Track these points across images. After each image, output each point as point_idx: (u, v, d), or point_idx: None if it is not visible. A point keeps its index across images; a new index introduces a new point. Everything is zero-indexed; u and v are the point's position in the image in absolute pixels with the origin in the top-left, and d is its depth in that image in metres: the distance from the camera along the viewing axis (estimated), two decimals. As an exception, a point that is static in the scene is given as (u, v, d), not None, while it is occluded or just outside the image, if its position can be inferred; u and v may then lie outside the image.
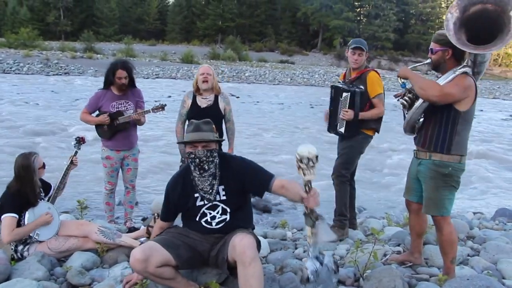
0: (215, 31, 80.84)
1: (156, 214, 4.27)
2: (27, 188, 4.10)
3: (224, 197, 3.48)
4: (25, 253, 4.10)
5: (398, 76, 3.90)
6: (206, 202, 3.48)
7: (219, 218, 3.48)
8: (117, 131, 5.46)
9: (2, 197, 4.15)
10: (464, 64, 3.65)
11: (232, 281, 3.56)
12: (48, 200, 4.38)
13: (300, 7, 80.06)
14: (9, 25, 67.05)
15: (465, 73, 3.59)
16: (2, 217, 4.01)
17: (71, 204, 6.68)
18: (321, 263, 3.11)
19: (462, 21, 3.45)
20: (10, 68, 35.75)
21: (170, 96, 24.34)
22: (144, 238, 4.41)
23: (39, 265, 3.81)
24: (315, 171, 2.98)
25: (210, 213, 3.49)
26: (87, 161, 9.55)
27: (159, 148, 13.06)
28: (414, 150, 3.97)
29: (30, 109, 18.73)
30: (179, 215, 3.75)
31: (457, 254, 3.92)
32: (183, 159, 5.38)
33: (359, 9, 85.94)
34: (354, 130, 4.91)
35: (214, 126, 3.52)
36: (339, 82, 5.14)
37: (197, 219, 3.51)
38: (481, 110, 26.85)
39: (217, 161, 3.47)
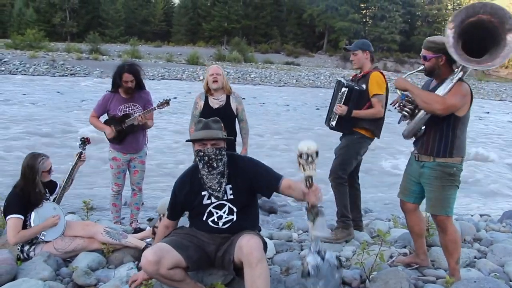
0: (221, 32, 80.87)
1: (162, 215, 4.27)
2: (29, 188, 4.11)
3: (231, 196, 3.48)
4: (31, 253, 4.11)
5: (396, 88, 3.92)
6: (213, 200, 3.48)
7: (225, 218, 3.48)
8: (126, 135, 5.44)
9: (8, 196, 4.15)
10: (456, 69, 3.65)
11: (238, 282, 3.55)
12: (54, 199, 4.38)
13: (306, 8, 79.99)
14: (16, 26, 67.33)
15: (460, 80, 3.62)
16: (8, 218, 4.02)
17: (77, 204, 6.69)
18: (323, 258, 3.10)
19: (459, 34, 3.44)
20: (16, 69, 35.95)
21: (176, 97, 24.43)
22: (150, 239, 4.42)
23: (45, 265, 3.82)
24: (315, 167, 2.98)
25: (217, 213, 3.48)
26: (93, 162, 9.57)
27: (165, 148, 13.08)
28: (414, 153, 3.99)
29: (36, 109, 18.80)
30: (185, 215, 3.75)
31: (463, 256, 3.91)
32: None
33: (365, 10, 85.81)
34: (345, 126, 4.91)
35: (222, 124, 3.52)
36: (346, 78, 5.16)
37: (204, 218, 3.50)
38: (487, 112, 26.80)
39: (226, 159, 3.47)
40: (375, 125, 4.92)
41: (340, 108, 4.79)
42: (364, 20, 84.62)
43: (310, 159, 2.93)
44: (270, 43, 78.35)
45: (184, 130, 16.02)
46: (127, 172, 5.72)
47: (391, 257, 4.46)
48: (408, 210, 4.13)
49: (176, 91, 28.46)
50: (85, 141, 4.94)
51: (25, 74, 34.53)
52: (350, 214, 5.04)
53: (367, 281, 3.72)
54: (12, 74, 34.34)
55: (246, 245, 3.11)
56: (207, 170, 3.40)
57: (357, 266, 3.91)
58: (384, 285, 3.42)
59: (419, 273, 4.12)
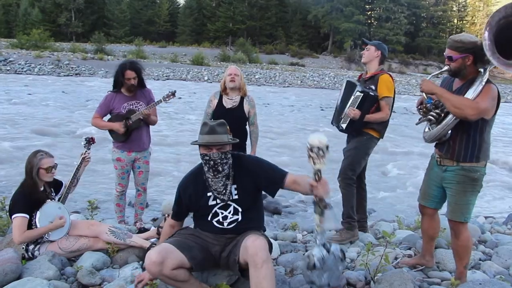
0: (226, 33, 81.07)
1: (167, 215, 4.27)
2: (30, 184, 4.12)
3: (236, 196, 3.48)
4: (36, 253, 4.11)
5: (422, 91, 3.79)
6: (219, 202, 3.48)
7: (231, 218, 3.48)
8: (131, 131, 5.43)
9: (14, 195, 4.16)
10: (482, 70, 3.54)
11: (243, 283, 3.55)
12: (59, 199, 4.39)
13: (311, 9, 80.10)
14: (21, 26, 67.75)
15: (489, 81, 3.51)
16: (13, 217, 4.02)
17: (81, 204, 6.70)
18: (328, 251, 3.11)
19: (494, 34, 3.30)
20: (22, 68, 36.03)
21: (180, 98, 24.48)
22: (155, 239, 4.42)
23: (49, 265, 3.82)
24: (325, 161, 2.99)
25: (222, 213, 3.49)
26: (98, 161, 9.58)
27: (170, 148, 13.09)
28: (436, 157, 3.87)
29: (41, 109, 18.86)
30: (190, 216, 3.75)
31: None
32: None
33: (370, 12, 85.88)
34: (355, 129, 4.89)
35: (228, 127, 3.50)
36: (356, 80, 5.13)
37: (208, 218, 3.50)
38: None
39: (231, 161, 3.47)
40: (383, 126, 4.94)
41: (354, 112, 4.75)
42: (369, 21, 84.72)
43: (321, 152, 2.94)
44: (275, 44, 78.50)
45: (187, 129, 16.18)
46: (131, 173, 5.72)
47: (396, 258, 4.45)
48: (427, 214, 4.06)
49: (180, 91, 28.47)
50: (90, 141, 4.94)
51: (30, 74, 34.59)
52: (356, 215, 5.04)
53: (371, 282, 3.72)
54: (18, 73, 34.43)
55: (252, 246, 3.11)
56: (212, 174, 3.40)
57: (362, 267, 3.91)
58: (389, 287, 3.41)
59: (424, 274, 4.11)
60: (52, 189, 4.36)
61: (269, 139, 15.24)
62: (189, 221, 3.91)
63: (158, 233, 4.40)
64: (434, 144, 3.89)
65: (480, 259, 4.61)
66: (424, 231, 4.18)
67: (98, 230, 4.27)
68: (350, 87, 4.95)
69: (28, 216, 4.04)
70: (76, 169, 4.61)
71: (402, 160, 13.13)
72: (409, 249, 4.83)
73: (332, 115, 5.30)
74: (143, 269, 3.78)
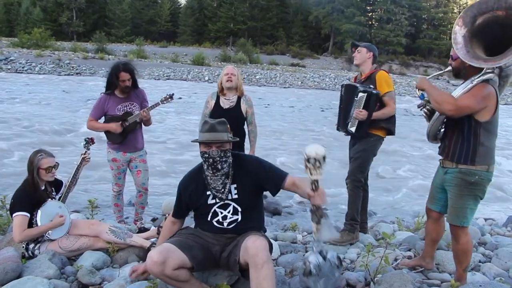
0: (227, 33, 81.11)
1: (167, 215, 4.27)
2: (31, 183, 4.13)
3: (236, 196, 3.49)
4: (36, 251, 4.12)
5: (416, 87, 3.81)
6: (218, 200, 3.49)
7: (230, 218, 3.49)
8: (128, 133, 5.43)
9: (15, 194, 4.16)
10: (487, 70, 3.46)
11: (243, 283, 3.55)
12: (59, 198, 4.39)
13: (312, 10, 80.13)
14: (22, 25, 67.81)
15: (485, 81, 3.45)
16: (14, 215, 4.03)
17: (82, 203, 6.70)
18: (324, 258, 3.13)
19: (472, 32, 3.33)
20: (23, 67, 36.05)
21: (180, 98, 24.48)
22: (155, 239, 4.42)
23: (50, 264, 3.83)
24: (322, 171, 3.00)
25: (222, 213, 3.49)
26: (98, 161, 9.58)
27: (169, 148, 13.09)
28: (440, 159, 3.86)
29: (41, 108, 18.86)
30: (190, 216, 3.75)
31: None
32: None
33: (371, 13, 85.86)
34: (364, 130, 4.87)
35: (228, 125, 3.50)
36: (350, 81, 5.13)
37: (208, 218, 3.51)
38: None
39: (231, 160, 3.47)
40: (391, 123, 4.93)
41: (361, 113, 4.72)
42: (370, 22, 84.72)
43: (317, 163, 2.95)
44: (275, 44, 78.49)
45: (188, 129, 16.17)
46: (129, 172, 5.71)
47: (395, 259, 4.45)
48: (432, 217, 4.05)
49: (181, 91, 28.45)
50: (89, 141, 4.94)
51: (31, 73, 34.64)
52: (359, 218, 5.04)
53: (371, 283, 3.72)
54: (18, 72, 34.46)
55: (252, 246, 3.12)
56: (211, 172, 3.40)
57: (362, 269, 3.91)
58: (389, 288, 3.42)
59: (423, 276, 4.11)
60: (53, 188, 4.36)
61: (269, 139, 15.24)
62: (189, 222, 3.91)
63: (158, 233, 4.40)
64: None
65: (480, 261, 4.61)
66: (428, 233, 4.17)
67: (99, 229, 4.27)
68: (350, 90, 4.94)
69: (28, 215, 4.05)
70: (76, 170, 4.62)
71: (402, 162, 13.13)
72: (409, 250, 4.83)
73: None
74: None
